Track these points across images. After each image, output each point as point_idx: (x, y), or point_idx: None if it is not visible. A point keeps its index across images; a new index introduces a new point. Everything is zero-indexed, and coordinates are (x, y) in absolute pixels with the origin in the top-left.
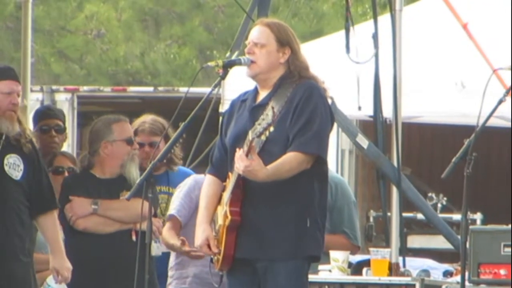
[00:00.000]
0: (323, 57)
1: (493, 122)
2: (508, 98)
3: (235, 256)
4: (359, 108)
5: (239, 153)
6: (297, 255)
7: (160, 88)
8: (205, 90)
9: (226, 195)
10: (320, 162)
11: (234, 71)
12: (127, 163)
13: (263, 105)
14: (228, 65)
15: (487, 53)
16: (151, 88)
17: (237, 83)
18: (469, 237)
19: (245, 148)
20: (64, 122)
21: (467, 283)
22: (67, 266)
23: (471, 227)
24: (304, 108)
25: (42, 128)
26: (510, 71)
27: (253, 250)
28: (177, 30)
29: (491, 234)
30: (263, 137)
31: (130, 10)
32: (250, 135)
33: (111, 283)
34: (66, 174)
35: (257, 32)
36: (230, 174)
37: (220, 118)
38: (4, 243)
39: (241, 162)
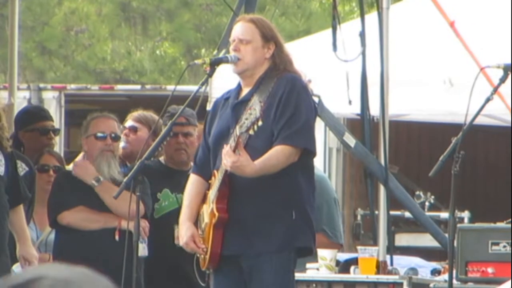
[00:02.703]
0: (311, 55)
1: (481, 120)
2: (495, 96)
3: (222, 253)
4: (350, 102)
5: (226, 149)
6: (284, 249)
7: (147, 87)
8: (192, 88)
9: (212, 193)
10: (306, 155)
11: (221, 69)
12: (97, 159)
13: (246, 101)
14: (215, 63)
15: (474, 51)
16: (138, 86)
17: (224, 81)
18: (457, 235)
19: (232, 143)
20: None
21: (454, 281)
22: (34, 254)
23: (458, 225)
24: (289, 101)
25: (41, 130)
26: (503, 70)
27: (239, 246)
28: (166, 27)
29: (479, 232)
30: (251, 132)
31: (110, 4)
32: (237, 130)
33: None
34: (51, 172)
35: (242, 29)
36: (215, 172)
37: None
38: None
39: (228, 158)
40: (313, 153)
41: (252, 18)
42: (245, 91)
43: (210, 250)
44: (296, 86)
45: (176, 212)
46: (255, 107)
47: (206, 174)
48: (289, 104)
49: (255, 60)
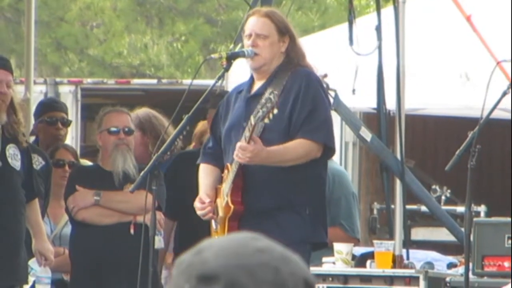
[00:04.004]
0: (326, 50)
1: (497, 114)
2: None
3: None
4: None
5: (240, 144)
6: (298, 241)
7: (164, 81)
8: (208, 82)
9: (226, 186)
10: (326, 151)
11: (237, 63)
12: (112, 153)
13: (259, 94)
14: (231, 57)
15: (491, 45)
16: (154, 81)
17: (240, 75)
18: (473, 230)
19: (247, 133)
20: (67, 115)
21: (471, 275)
22: (50, 249)
23: (475, 219)
24: (307, 96)
25: (48, 120)
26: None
27: None
28: (180, 28)
29: (495, 226)
30: (266, 120)
31: None
32: (252, 120)
33: (109, 275)
34: (67, 167)
35: (258, 23)
36: (228, 165)
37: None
38: (15, 231)
39: (242, 151)
40: (332, 150)
41: (267, 12)
42: (258, 84)
43: None
44: (313, 81)
45: None
46: (269, 96)
47: (216, 163)
48: (307, 99)
49: (272, 55)
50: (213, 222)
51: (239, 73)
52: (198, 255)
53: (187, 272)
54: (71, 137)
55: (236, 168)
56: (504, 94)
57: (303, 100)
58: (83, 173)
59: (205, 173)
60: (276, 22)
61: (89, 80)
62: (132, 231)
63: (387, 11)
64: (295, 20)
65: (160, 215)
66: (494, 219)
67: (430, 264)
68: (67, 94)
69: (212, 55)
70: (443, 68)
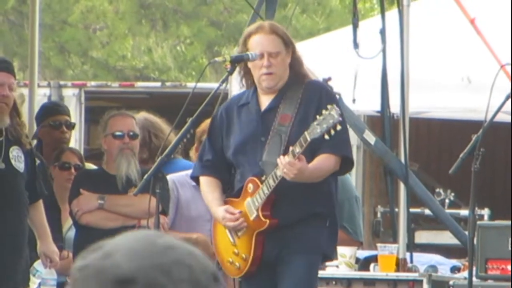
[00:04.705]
0: (331, 53)
1: (501, 117)
2: None
3: (262, 259)
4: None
5: (289, 160)
6: (315, 252)
7: (168, 84)
8: (212, 85)
9: (255, 200)
10: (345, 163)
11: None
12: (117, 158)
13: (274, 108)
14: (236, 60)
15: (495, 49)
16: (158, 84)
17: None
18: (477, 233)
19: (297, 149)
20: (70, 118)
21: (474, 278)
22: (55, 251)
23: (478, 222)
24: None
25: (52, 124)
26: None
27: (277, 252)
28: (184, 31)
29: (499, 229)
30: (326, 136)
31: (127, 2)
32: (307, 136)
33: None
34: (73, 170)
35: (268, 42)
36: (256, 179)
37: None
38: (18, 234)
39: (290, 166)
40: (352, 163)
41: (271, 28)
42: (267, 98)
43: (252, 257)
44: (331, 94)
45: None
46: (330, 112)
47: (219, 176)
48: None
49: (284, 70)
50: (228, 234)
51: None
52: (108, 259)
53: (99, 277)
54: (75, 140)
55: (275, 182)
56: (508, 97)
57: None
58: (87, 177)
59: (211, 186)
60: (282, 36)
61: (93, 83)
62: None
63: (391, 14)
64: (299, 23)
65: (164, 219)
66: (497, 222)
67: (433, 268)
68: (71, 97)
69: (216, 58)
70: (447, 71)
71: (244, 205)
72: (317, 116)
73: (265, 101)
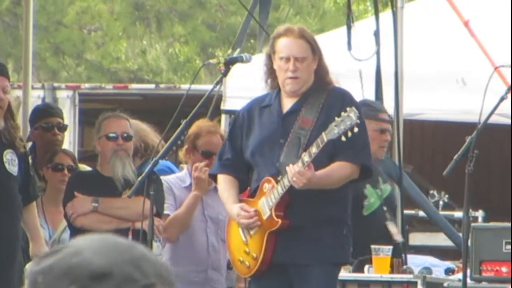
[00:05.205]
0: (324, 54)
1: (495, 119)
2: (509, 95)
3: (271, 260)
4: None
5: (298, 169)
6: (331, 262)
7: (162, 86)
8: (207, 87)
9: (269, 200)
10: (364, 172)
11: (235, 68)
12: (111, 160)
13: (295, 111)
14: (230, 62)
15: (489, 50)
16: (152, 86)
17: (238, 80)
18: (471, 235)
19: (314, 149)
20: (63, 120)
21: (468, 280)
22: None
23: (472, 224)
24: None
25: (44, 126)
26: (511, 69)
27: (289, 255)
28: (178, 29)
29: (493, 231)
30: (343, 138)
31: (122, 2)
32: (324, 137)
33: None
34: (66, 171)
35: (296, 46)
36: (271, 179)
37: (223, 120)
38: (11, 237)
39: (299, 176)
40: (370, 172)
41: (300, 32)
42: (290, 101)
43: (262, 257)
44: (354, 102)
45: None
46: (349, 114)
47: (237, 175)
48: None
49: (309, 75)
50: (241, 233)
51: (238, 78)
52: (77, 256)
53: (70, 275)
54: (69, 142)
55: (286, 188)
56: (502, 99)
57: None
58: (81, 179)
59: (228, 184)
60: (310, 41)
61: (87, 85)
62: (130, 237)
63: (385, 16)
64: (293, 25)
65: (158, 221)
66: (492, 224)
67: (428, 269)
68: (65, 99)
69: (210, 60)
70: (441, 73)
71: (258, 204)
72: (336, 118)
73: (287, 103)
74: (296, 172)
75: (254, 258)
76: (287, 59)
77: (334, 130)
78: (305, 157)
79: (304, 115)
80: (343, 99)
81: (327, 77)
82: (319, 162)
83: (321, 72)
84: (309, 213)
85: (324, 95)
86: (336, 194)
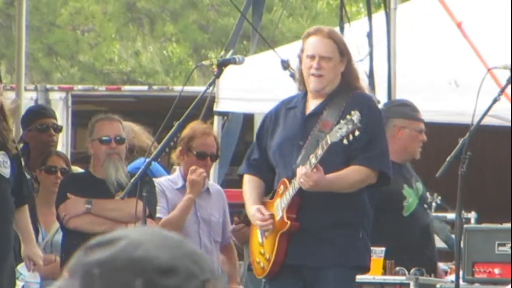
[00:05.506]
0: None
1: (488, 120)
2: (502, 97)
3: (284, 262)
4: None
5: (305, 171)
6: (346, 264)
7: (155, 87)
8: (199, 89)
9: (282, 202)
10: (382, 179)
11: (228, 70)
12: (105, 163)
13: (317, 113)
14: (222, 64)
15: (482, 52)
16: (145, 87)
17: (231, 82)
18: (464, 236)
19: (319, 152)
20: (57, 121)
21: (461, 282)
22: (39, 254)
23: (465, 226)
24: (368, 123)
25: (40, 127)
26: (510, 71)
27: (303, 256)
28: (170, 28)
29: (486, 233)
30: (345, 141)
31: (116, 3)
32: (328, 139)
33: None
34: (59, 174)
35: (323, 45)
36: (286, 181)
37: (216, 122)
38: (3, 237)
39: (306, 177)
40: (388, 178)
41: (329, 32)
42: (314, 103)
43: (274, 258)
44: (375, 108)
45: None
46: (352, 117)
47: (262, 176)
48: (369, 126)
49: (334, 76)
50: (259, 234)
51: (231, 80)
52: (139, 249)
53: (135, 267)
54: (62, 144)
55: (297, 188)
56: (495, 100)
57: (364, 127)
58: (74, 181)
59: (252, 185)
60: (338, 43)
61: (80, 86)
62: None
63: (378, 18)
64: (285, 26)
65: (151, 222)
66: (484, 225)
67: (420, 271)
68: (58, 101)
69: (203, 62)
70: (434, 74)
71: (274, 205)
72: (341, 120)
73: (311, 105)
74: (303, 173)
75: (267, 259)
76: (313, 57)
77: (337, 133)
78: (312, 159)
79: (325, 117)
80: (362, 104)
81: (355, 82)
82: (335, 165)
83: (348, 75)
84: (321, 215)
85: (347, 99)
86: (350, 197)
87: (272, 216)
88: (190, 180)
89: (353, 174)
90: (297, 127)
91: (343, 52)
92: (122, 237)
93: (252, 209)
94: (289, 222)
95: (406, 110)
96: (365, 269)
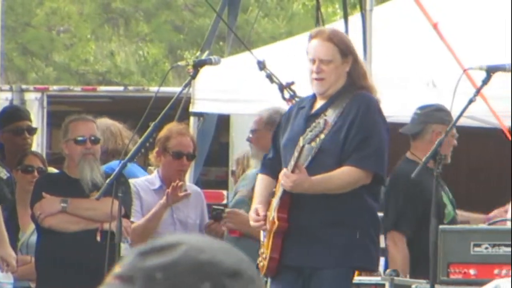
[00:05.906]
0: (293, 57)
1: (463, 121)
2: (478, 98)
3: (281, 262)
4: None
5: (284, 171)
6: (342, 265)
7: (130, 88)
8: (175, 89)
9: (275, 201)
10: (375, 179)
11: (204, 71)
12: (79, 164)
13: (319, 114)
14: (198, 65)
15: (457, 53)
16: (121, 88)
17: (207, 83)
18: (439, 237)
19: (296, 154)
20: (32, 122)
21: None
22: (12, 254)
23: (440, 226)
24: (362, 122)
25: (15, 130)
26: (486, 72)
27: (298, 256)
28: (144, 28)
29: (461, 233)
30: (313, 144)
31: (92, 3)
32: (301, 141)
33: (75, 283)
34: (36, 173)
35: (322, 49)
36: (280, 180)
37: (192, 122)
38: None
39: (286, 178)
40: (382, 179)
41: (329, 35)
42: (320, 103)
43: (268, 257)
44: (372, 107)
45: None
46: (319, 121)
47: (274, 176)
48: (363, 126)
49: (337, 78)
50: (262, 235)
51: (206, 81)
52: (204, 253)
53: (202, 271)
54: (37, 145)
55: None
56: (470, 101)
57: (358, 126)
58: (49, 181)
59: (262, 184)
60: (339, 44)
61: (55, 87)
62: (98, 238)
63: (354, 19)
64: (261, 27)
65: (126, 222)
66: (459, 226)
67: (395, 271)
68: (33, 101)
69: (179, 63)
70: (410, 75)
71: (271, 205)
72: (313, 123)
73: (317, 105)
74: (282, 174)
75: (265, 258)
76: (313, 61)
77: (307, 135)
78: (292, 161)
79: (326, 118)
80: (360, 104)
81: (361, 81)
82: (327, 166)
83: (354, 74)
84: (318, 215)
85: (348, 100)
86: (348, 197)
87: (265, 216)
88: (170, 194)
89: (342, 175)
90: (300, 127)
91: (345, 52)
92: (181, 242)
93: (252, 208)
94: (277, 223)
95: (443, 116)
96: (363, 270)
